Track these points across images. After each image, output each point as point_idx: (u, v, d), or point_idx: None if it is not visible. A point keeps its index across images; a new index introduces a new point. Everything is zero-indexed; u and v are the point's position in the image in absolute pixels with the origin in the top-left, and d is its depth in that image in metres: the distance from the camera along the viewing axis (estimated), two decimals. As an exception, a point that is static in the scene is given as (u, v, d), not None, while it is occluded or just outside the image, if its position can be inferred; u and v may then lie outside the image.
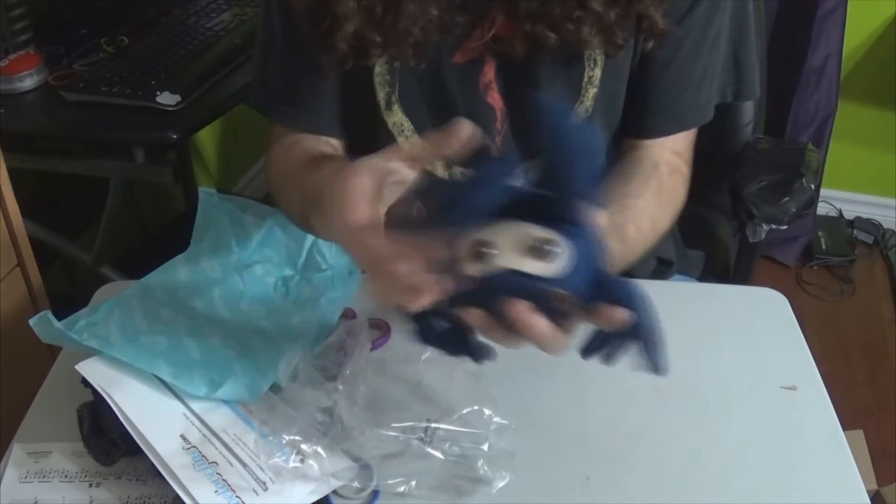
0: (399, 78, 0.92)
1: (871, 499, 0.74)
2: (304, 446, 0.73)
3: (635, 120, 0.97)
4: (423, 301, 0.58)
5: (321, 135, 0.97)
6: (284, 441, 0.73)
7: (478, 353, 0.68)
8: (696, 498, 0.74)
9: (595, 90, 0.93)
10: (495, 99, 0.93)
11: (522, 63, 0.90)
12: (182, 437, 0.75)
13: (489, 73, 0.92)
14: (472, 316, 0.61)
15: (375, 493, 0.73)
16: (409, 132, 0.95)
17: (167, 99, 1.42)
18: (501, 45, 0.90)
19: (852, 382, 2.01)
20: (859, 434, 1.72)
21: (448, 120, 0.97)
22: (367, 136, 1.00)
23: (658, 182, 0.93)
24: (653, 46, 0.90)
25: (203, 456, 0.73)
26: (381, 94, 0.94)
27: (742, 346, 0.89)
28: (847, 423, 0.81)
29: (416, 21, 0.85)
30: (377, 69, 0.93)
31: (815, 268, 2.34)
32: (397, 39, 0.86)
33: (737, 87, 1.00)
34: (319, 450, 0.73)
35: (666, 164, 0.95)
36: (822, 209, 2.42)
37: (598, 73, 0.92)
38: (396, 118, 0.95)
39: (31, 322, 0.78)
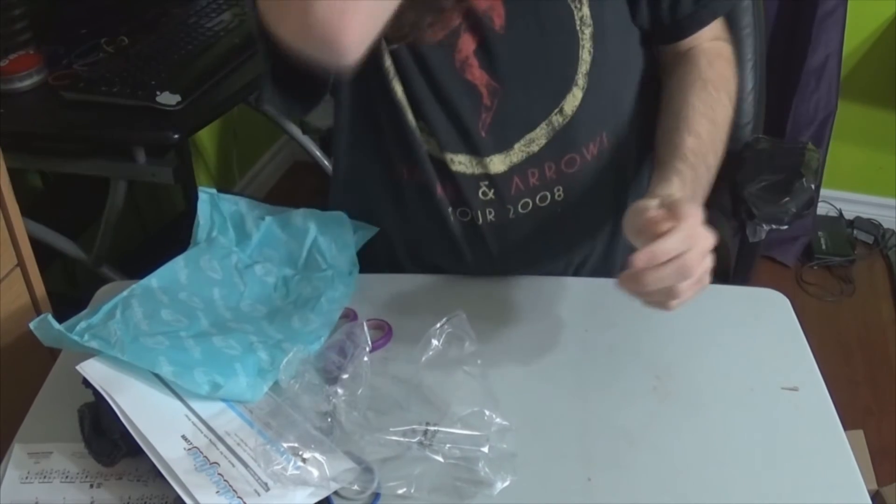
0: (393, 56, 0.90)
1: (872, 499, 0.74)
2: (303, 453, 0.73)
3: (667, 27, 0.99)
4: None
5: None
6: (284, 447, 0.73)
7: None
8: (697, 498, 0.74)
9: (590, 29, 0.91)
10: (476, 75, 0.91)
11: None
12: (183, 437, 0.75)
13: (465, 48, 0.90)
14: None
15: (376, 496, 0.73)
16: (407, 110, 0.93)
17: (167, 99, 1.42)
18: (480, 17, 0.88)
19: (852, 382, 2.00)
20: (859, 434, 1.72)
21: (436, 98, 0.93)
22: (376, 107, 0.97)
23: (701, 82, 0.96)
24: None
25: (204, 456, 0.73)
26: (387, 64, 0.92)
27: (743, 346, 0.89)
28: (847, 423, 0.81)
29: None
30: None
31: (815, 268, 2.33)
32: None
33: None
34: (318, 456, 0.73)
35: (705, 56, 0.98)
36: (822, 209, 2.42)
37: (586, 11, 0.91)
38: (399, 95, 0.93)
39: (32, 325, 0.79)
